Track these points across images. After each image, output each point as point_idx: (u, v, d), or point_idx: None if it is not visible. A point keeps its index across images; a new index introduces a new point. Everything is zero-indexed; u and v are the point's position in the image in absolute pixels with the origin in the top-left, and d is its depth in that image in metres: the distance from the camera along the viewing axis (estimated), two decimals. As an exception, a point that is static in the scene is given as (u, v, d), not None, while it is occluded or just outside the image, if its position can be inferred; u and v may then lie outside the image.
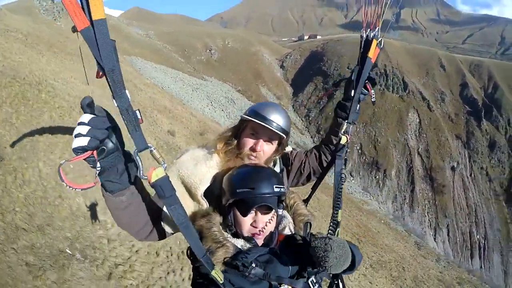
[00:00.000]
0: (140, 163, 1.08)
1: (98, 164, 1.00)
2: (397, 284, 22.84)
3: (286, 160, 1.97)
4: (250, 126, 1.70)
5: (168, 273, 6.95)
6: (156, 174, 1.09)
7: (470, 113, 65.79)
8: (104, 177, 1.07)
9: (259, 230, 1.42)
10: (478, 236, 55.47)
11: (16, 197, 6.01)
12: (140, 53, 58.26)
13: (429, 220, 53.91)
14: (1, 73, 10.78)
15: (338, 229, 1.65)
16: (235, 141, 1.72)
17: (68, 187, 0.96)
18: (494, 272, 52.04)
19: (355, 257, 1.28)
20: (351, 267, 1.27)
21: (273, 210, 1.46)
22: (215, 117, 47.84)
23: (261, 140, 1.67)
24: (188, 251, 1.39)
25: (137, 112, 1.02)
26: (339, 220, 1.66)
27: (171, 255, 7.45)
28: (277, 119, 1.64)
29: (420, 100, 64.25)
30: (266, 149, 1.70)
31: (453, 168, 59.28)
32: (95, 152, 0.99)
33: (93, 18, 0.88)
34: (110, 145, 1.03)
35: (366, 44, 1.84)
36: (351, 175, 55.13)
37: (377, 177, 54.79)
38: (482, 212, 57.68)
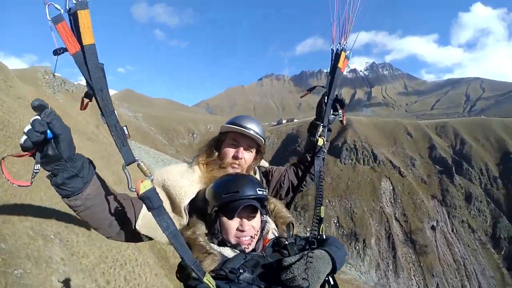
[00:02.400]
0: (128, 176, 1.14)
1: (37, 167, 1.03)
2: None
3: (266, 173, 2.17)
4: (229, 136, 1.89)
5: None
6: (144, 186, 1.15)
7: (442, 172, 73.90)
8: (52, 182, 1.11)
9: (246, 235, 1.50)
10: (471, 288, 58.15)
11: None
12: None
13: (416, 283, 57.47)
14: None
15: (322, 225, 1.70)
16: (216, 153, 1.89)
17: (7, 180, 1.02)
18: None
19: (335, 262, 1.36)
20: (333, 270, 1.36)
21: (258, 214, 1.57)
22: None
23: (241, 148, 1.85)
24: (177, 272, 1.47)
25: (125, 128, 1.11)
26: (322, 216, 1.71)
27: None
28: (253, 127, 1.85)
29: (391, 168, 72.87)
30: (246, 157, 1.88)
31: (433, 228, 64.60)
32: (37, 153, 1.03)
33: (84, 43, 1.00)
34: (52, 152, 1.04)
35: (336, 57, 2.06)
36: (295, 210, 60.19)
37: (357, 247, 60.22)
38: (471, 264, 61.03)
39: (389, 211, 66.14)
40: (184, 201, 1.63)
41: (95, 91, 1.04)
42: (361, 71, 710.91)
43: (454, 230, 65.27)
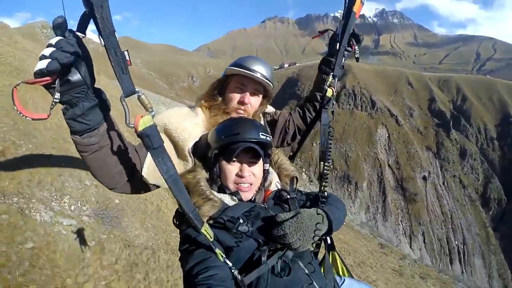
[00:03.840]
0: (126, 109, 1.00)
1: (57, 95, 0.90)
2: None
3: (271, 120, 2.03)
4: (235, 79, 1.74)
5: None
6: (144, 122, 1.02)
7: (439, 125, 72.02)
8: (68, 115, 0.98)
9: (246, 182, 1.42)
10: (456, 242, 58.53)
11: None
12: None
13: (403, 228, 57.72)
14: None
15: (324, 182, 1.65)
16: (220, 98, 1.76)
17: (19, 113, 0.88)
18: (478, 276, 54.58)
19: (332, 223, 1.34)
20: (329, 231, 1.35)
21: (260, 160, 1.48)
22: None
23: (247, 93, 1.72)
24: (174, 218, 1.41)
25: (126, 53, 0.95)
26: (326, 172, 1.65)
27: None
28: (261, 70, 1.69)
29: (388, 116, 70.33)
30: (253, 102, 1.75)
31: (424, 178, 63.87)
32: (58, 80, 0.90)
33: None
34: (76, 76, 0.93)
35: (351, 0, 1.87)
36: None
37: (349, 189, 59.70)
38: (458, 218, 61.24)
39: (382, 157, 64.73)
40: (188, 144, 1.53)
41: (94, 7, 0.86)
42: (369, 17, 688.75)
43: (445, 183, 64.93)
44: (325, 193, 1.55)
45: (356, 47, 1.93)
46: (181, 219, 1.33)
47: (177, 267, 6.38)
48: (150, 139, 1.04)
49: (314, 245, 1.38)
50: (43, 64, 0.84)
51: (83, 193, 5.99)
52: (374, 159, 63.91)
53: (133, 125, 1.01)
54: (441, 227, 59.12)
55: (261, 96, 1.80)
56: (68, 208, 5.40)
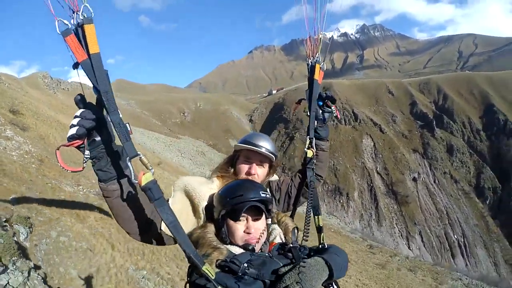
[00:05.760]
0: (131, 169, 1.27)
1: (87, 152, 1.19)
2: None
3: (275, 187, 2.20)
4: (243, 154, 2.03)
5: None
6: (146, 178, 1.24)
7: (423, 127, 75.58)
8: (96, 167, 1.26)
9: (253, 236, 1.54)
10: (455, 236, 60.02)
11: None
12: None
13: (399, 230, 59.61)
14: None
15: (322, 234, 1.83)
16: (232, 170, 2.03)
17: (61, 167, 1.17)
18: (483, 266, 55.60)
19: (332, 268, 1.38)
20: (330, 277, 1.38)
21: (263, 216, 1.61)
22: (182, 164, 55.91)
23: (254, 164, 1.99)
24: (188, 270, 1.50)
25: (127, 125, 1.24)
26: (321, 225, 1.85)
27: None
28: (265, 145, 1.99)
29: (372, 126, 74.66)
30: (259, 172, 2.01)
31: (414, 179, 66.66)
32: (86, 141, 1.20)
33: (90, 52, 1.16)
34: (97, 137, 1.23)
35: (312, 69, 2.23)
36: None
37: (341, 201, 62.39)
38: (454, 212, 63.04)
39: (370, 165, 67.93)
40: (202, 203, 1.75)
41: (101, 93, 1.18)
42: (352, 34, 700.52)
43: (436, 181, 67.11)
44: (325, 244, 1.76)
45: (333, 108, 2.30)
46: (192, 275, 1.43)
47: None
48: (151, 191, 1.26)
49: None
50: (73, 131, 1.15)
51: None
52: (362, 168, 67.08)
53: (137, 181, 1.26)
54: (437, 224, 60.68)
55: (266, 166, 2.07)
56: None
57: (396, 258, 41.27)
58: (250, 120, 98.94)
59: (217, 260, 1.38)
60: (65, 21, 1.13)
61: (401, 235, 58.97)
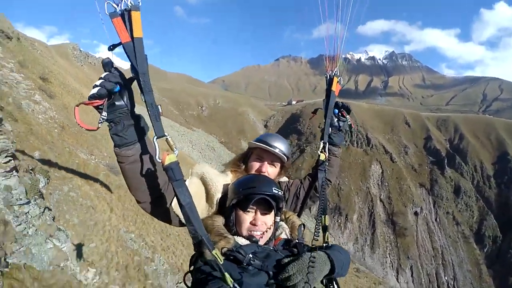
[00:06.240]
0: (157, 147, 1.29)
1: (104, 114, 1.21)
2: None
3: (285, 188, 2.26)
4: (256, 152, 2.10)
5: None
6: (169, 158, 1.29)
7: (434, 163, 75.36)
8: (112, 131, 1.29)
9: (258, 230, 1.57)
10: (446, 278, 59.47)
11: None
12: (139, 100, 72.38)
13: (390, 261, 59.72)
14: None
15: (327, 233, 1.82)
16: (243, 166, 2.10)
17: (78, 124, 1.20)
18: None
19: (334, 263, 1.37)
20: (332, 272, 1.38)
21: (272, 212, 1.64)
22: (191, 155, 57.38)
23: (265, 163, 2.04)
24: (191, 259, 1.53)
25: (159, 107, 1.30)
26: (326, 224, 1.86)
27: None
28: (278, 145, 2.05)
29: (383, 153, 74.92)
30: (270, 171, 2.05)
31: (416, 213, 66.57)
32: (105, 102, 1.22)
33: (134, 36, 1.23)
34: (120, 101, 1.26)
35: (330, 81, 2.36)
36: (315, 219, 61.24)
37: (339, 221, 63.14)
38: (449, 254, 62.45)
39: (375, 192, 68.18)
40: (218, 194, 1.79)
41: (139, 74, 1.25)
42: (379, 59, 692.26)
43: (438, 219, 66.79)
44: (329, 243, 1.74)
45: (348, 117, 2.40)
46: (195, 258, 1.48)
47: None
48: (173, 172, 1.29)
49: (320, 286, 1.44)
50: (94, 90, 1.18)
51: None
52: (366, 193, 67.45)
53: (160, 160, 1.30)
54: (430, 262, 60.33)
55: (278, 166, 2.12)
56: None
57: (380, 286, 41.28)
58: (265, 126, 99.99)
59: (223, 248, 1.42)
60: (114, 4, 1.21)
61: (392, 266, 59.06)
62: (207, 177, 1.80)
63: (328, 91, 2.35)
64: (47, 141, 11.50)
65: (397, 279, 57.08)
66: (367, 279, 40.54)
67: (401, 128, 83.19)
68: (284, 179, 2.29)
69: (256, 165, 2.06)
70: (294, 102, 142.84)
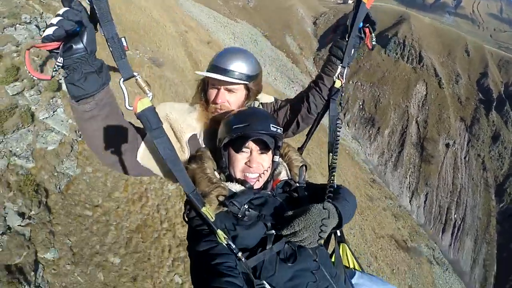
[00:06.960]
0: (125, 92, 1.04)
1: (60, 59, 0.97)
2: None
3: (270, 110, 1.97)
4: (210, 80, 1.74)
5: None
6: (142, 103, 1.06)
7: (482, 101, 68.18)
8: (68, 80, 1.04)
9: (254, 172, 1.42)
10: (455, 215, 58.44)
11: None
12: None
13: (409, 182, 57.86)
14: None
15: (333, 174, 1.67)
16: (203, 98, 1.80)
17: (28, 72, 1.05)
18: (463, 256, 55.02)
19: (342, 215, 1.28)
20: (338, 225, 1.29)
21: (269, 152, 1.48)
22: (229, 45, 53.96)
23: (221, 92, 1.69)
24: (184, 213, 1.38)
25: (123, 39, 1.02)
26: (334, 165, 1.64)
27: None
28: (236, 67, 1.66)
29: (432, 75, 67.63)
30: (232, 100, 1.72)
31: (447, 145, 62.73)
32: (62, 46, 0.98)
33: None
34: (79, 44, 0.99)
35: None
36: (348, 125, 59.74)
37: (371, 132, 59.55)
38: (466, 195, 60.35)
39: (413, 112, 62.95)
40: (186, 135, 1.59)
41: (93, 1, 0.94)
42: None
43: (467, 158, 63.14)
44: (335, 185, 1.44)
45: (372, 34, 1.84)
46: (188, 211, 1.31)
47: None
48: (148, 120, 1.06)
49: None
50: (50, 31, 0.91)
51: None
52: (404, 111, 62.36)
53: (131, 108, 1.05)
54: (446, 196, 58.77)
55: (241, 91, 1.74)
56: None
57: (389, 200, 40.08)
58: (314, 23, 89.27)
59: (217, 196, 1.28)
60: None
61: (409, 188, 57.74)
62: (171, 118, 1.62)
63: (358, 3, 1.74)
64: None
65: (410, 201, 56.30)
66: (380, 191, 39.14)
67: (459, 54, 73.60)
68: (269, 99, 1.98)
69: (212, 94, 1.73)
70: (350, 1, 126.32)
